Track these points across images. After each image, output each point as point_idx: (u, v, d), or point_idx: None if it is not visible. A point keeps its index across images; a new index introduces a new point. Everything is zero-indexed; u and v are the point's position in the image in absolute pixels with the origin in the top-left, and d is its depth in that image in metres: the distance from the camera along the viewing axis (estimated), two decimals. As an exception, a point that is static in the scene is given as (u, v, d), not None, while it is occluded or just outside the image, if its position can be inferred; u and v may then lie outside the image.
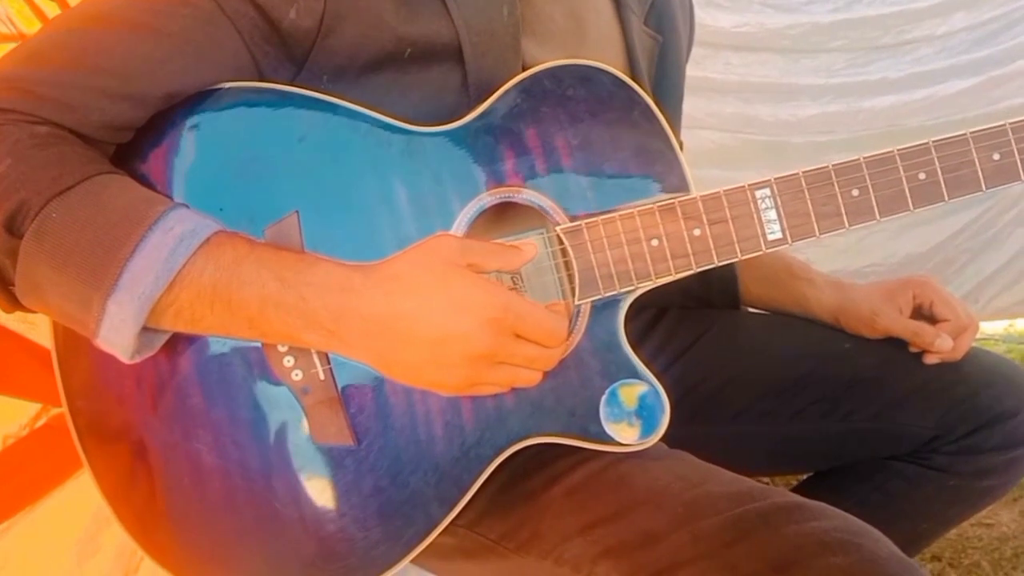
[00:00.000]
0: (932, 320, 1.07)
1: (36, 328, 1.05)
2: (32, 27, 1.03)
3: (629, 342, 0.84)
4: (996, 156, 0.84)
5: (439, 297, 0.71)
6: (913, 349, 1.07)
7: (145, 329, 0.70)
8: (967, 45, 2.24)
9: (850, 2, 2.16)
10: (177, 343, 0.77)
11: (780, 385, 1.10)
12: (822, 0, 2.15)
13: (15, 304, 0.73)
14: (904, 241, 2.31)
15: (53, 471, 1.10)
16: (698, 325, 1.17)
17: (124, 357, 0.71)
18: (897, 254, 2.32)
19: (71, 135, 0.72)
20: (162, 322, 0.71)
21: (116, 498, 0.81)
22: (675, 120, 1.04)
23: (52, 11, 1.05)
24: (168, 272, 0.68)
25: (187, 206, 0.74)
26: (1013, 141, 0.84)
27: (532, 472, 0.85)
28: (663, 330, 1.18)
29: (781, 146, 2.19)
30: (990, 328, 2.80)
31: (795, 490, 1.25)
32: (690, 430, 0.90)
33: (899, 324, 1.07)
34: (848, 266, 2.23)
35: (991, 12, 2.22)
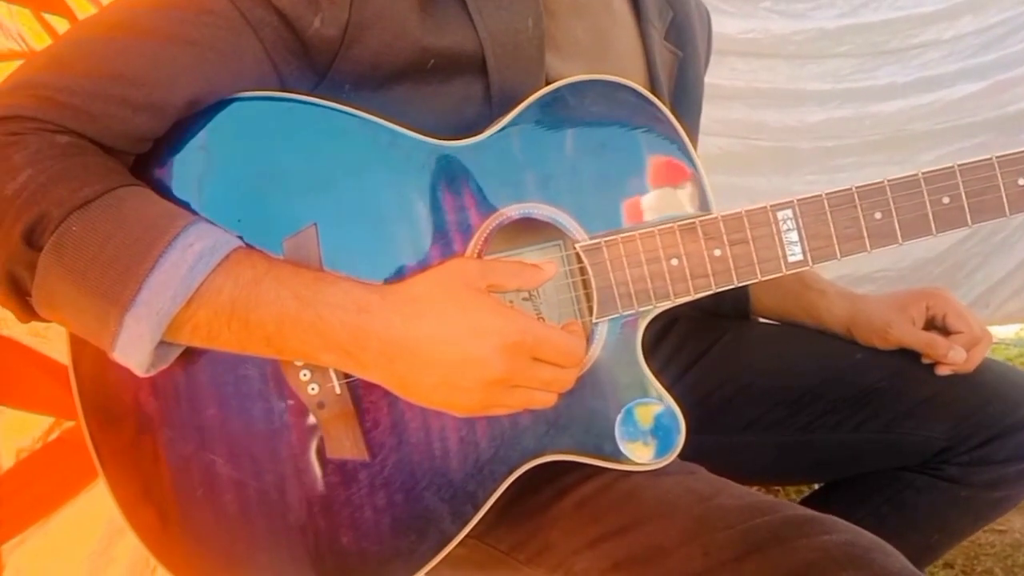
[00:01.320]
0: (945, 332, 1.07)
1: (49, 342, 1.05)
2: (43, 44, 1.03)
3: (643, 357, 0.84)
4: (1021, 181, 0.83)
5: (457, 321, 0.71)
6: (925, 360, 1.07)
7: (161, 343, 0.70)
8: (974, 49, 2.24)
9: (856, 7, 2.16)
10: (193, 356, 0.77)
11: (791, 396, 1.10)
12: (828, 6, 2.14)
13: (31, 314, 0.73)
14: (914, 246, 2.28)
15: (66, 484, 1.10)
16: (709, 336, 1.17)
17: (139, 371, 0.71)
18: (907, 259, 2.31)
19: (91, 145, 0.71)
20: (179, 337, 0.71)
21: (131, 508, 0.81)
22: (693, 134, 1.04)
23: (63, 28, 1.05)
24: (187, 289, 0.68)
25: (207, 220, 0.73)
26: None
27: (542, 484, 0.86)
28: (674, 340, 1.18)
29: (788, 152, 2.19)
30: (1001, 332, 2.79)
31: (806, 500, 1.24)
32: (701, 440, 0.90)
33: (912, 335, 1.06)
34: (857, 271, 2.23)
35: (998, 16, 2.22)
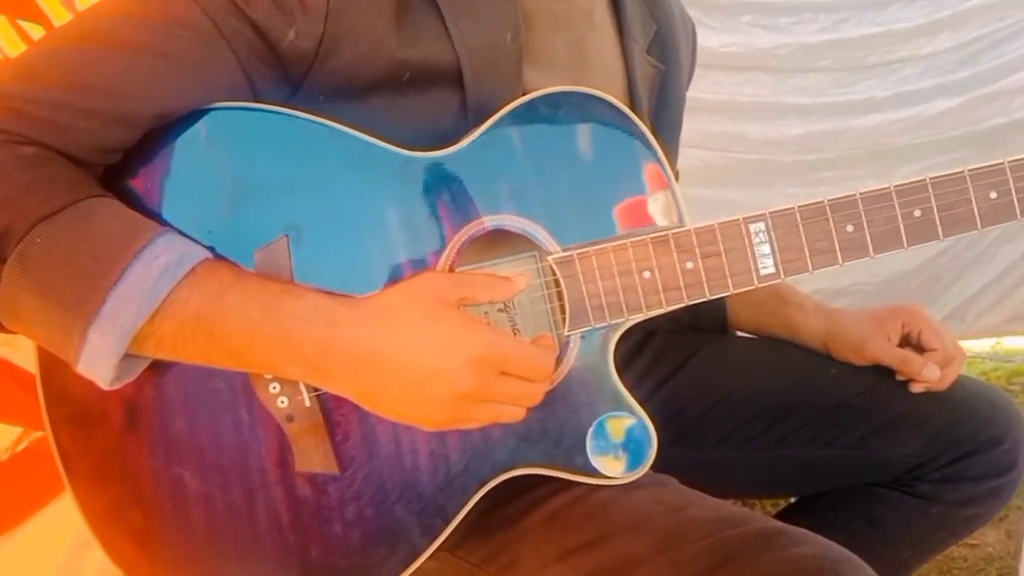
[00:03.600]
0: (920, 349, 1.07)
1: (19, 352, 1.04)
2: (18, 51, 1.02)
3: (616, 368, 0.84)
4: (993, 195, 0.84)
5: (425, 335, 0.71)
6: (900, 377, 1.07)
7: (126, 356, 0.69)
8: (952, 65, 2.26)
9: (837, 22, 2.18)
10: (162, 368, 0.76)
11: (766, 410, 1.10)
12: (810, 20, 2.16)
13: None
14: (890, 260, 2.29)
15: (34, 495, 1.09)
16: (685, 349, 1.17)
17: (104, 384, 0.70)
18: (883, 273, 2.33)
19: (59, 156, 0.71)
20: (144, 350, 0.71)
21: (98, 522, 0.80)
22: (672, 149, 1.04)
23: (38, 34, 1.04)
24: (151, 302, 0.68)
25: (175, 232, 0.72)
26: (1011, 180, 0.84)
27: (513, 497, 0.85)
28: (650, 354, 1.18)
29: (768, 165, 2.20)
30: (977, 346, 2.80)
31: (780, 515, 1.25)
32: (675, 454, 0.90)
33: (887, 352, 1.07)
34: (833, 284, 2.24)
35: (976, 32, 2.24)
